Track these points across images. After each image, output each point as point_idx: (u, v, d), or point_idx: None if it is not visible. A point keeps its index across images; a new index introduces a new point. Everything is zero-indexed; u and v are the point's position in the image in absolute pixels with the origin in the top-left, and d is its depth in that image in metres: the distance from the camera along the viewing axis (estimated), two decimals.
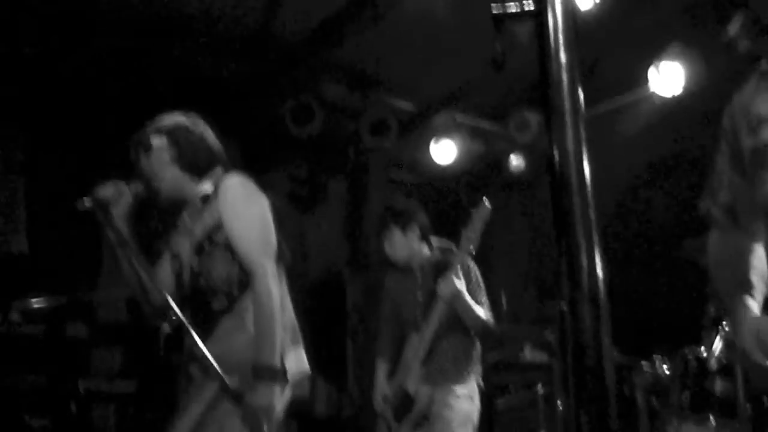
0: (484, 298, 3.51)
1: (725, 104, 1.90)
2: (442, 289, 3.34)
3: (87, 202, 2.41)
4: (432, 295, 3.41)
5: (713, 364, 3.03)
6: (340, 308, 6.46)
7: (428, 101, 6.30)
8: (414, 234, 3.57)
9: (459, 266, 3.37)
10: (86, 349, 3.44)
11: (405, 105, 6.34)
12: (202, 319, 2.46)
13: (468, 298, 3.38)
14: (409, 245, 3.57)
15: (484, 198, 3.45)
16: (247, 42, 5.27)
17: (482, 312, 3.44)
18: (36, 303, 3.69)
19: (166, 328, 2.88)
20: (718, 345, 3.04)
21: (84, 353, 3.43)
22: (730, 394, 2.98)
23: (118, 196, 2.45)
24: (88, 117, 5.04)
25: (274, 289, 2.40)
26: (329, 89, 5.93)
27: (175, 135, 2.58)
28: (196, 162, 2.57)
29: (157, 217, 2.71)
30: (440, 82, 5.94)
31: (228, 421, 2.34)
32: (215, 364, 2.23)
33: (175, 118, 2.63)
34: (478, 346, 3.55)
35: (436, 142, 6.26)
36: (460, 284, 3.35)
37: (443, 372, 3.40)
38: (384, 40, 5.07)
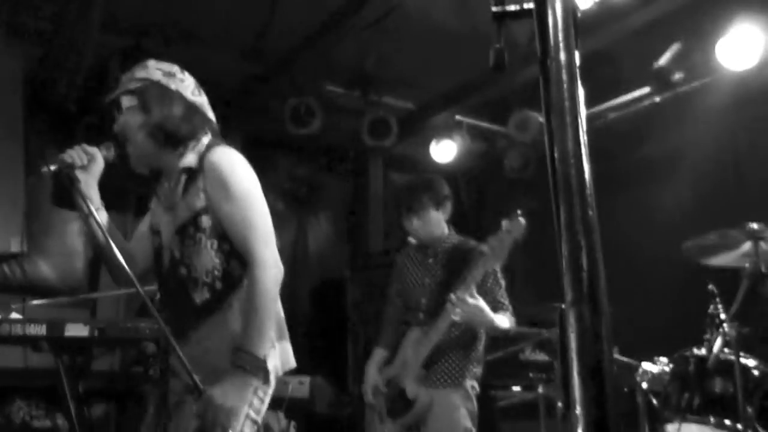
0: (506, 299, 3.36)
1: None
2: (455, 309, 3.12)
3: (52, 166, 2.14)
4: (442, 286, 3.27)
5: (713, 364, 3.02)
6: (340, 308, 6.46)
7: (428, 101, 6.30)
8: (445, 212, 3.45)
9: (474, 282, 3.15)
10: (86, 349, 3.43)
11: (405, 105, 6.35)
12: (182, 314, 2.22)
13: (488, 312, 3.18)
14: (438, 223, 3.41)
15: (519, 212, 3.16)
16: (247, 42, 5.27)
17: (502, 320, 3.27)
18: (36, 303, 3.69)
19: (150, 347, 2.80)
20: (718, 345, 3.03)
21: (84, 353, 3.42)
22: (730, 394, 2.97)
23: (87, 161, 2.20)
24: (87, 117, 5.04)
25: (270, 283, 2.14)
26: (329, 89, 5.94)
27: (145, 96, 2.24)
28: (172, 130, 2.23)
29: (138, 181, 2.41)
30: (440, 82, 5.95)
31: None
32: (187, 365, 1.95)
33: (149, 73, 2.28)
34: (480, 347, 3.47)
35: (436, 142, 6.26)
36: (475, 302, 3.15)
37: (443, 377, 3.31)
38: (384, 40, 5.07)
